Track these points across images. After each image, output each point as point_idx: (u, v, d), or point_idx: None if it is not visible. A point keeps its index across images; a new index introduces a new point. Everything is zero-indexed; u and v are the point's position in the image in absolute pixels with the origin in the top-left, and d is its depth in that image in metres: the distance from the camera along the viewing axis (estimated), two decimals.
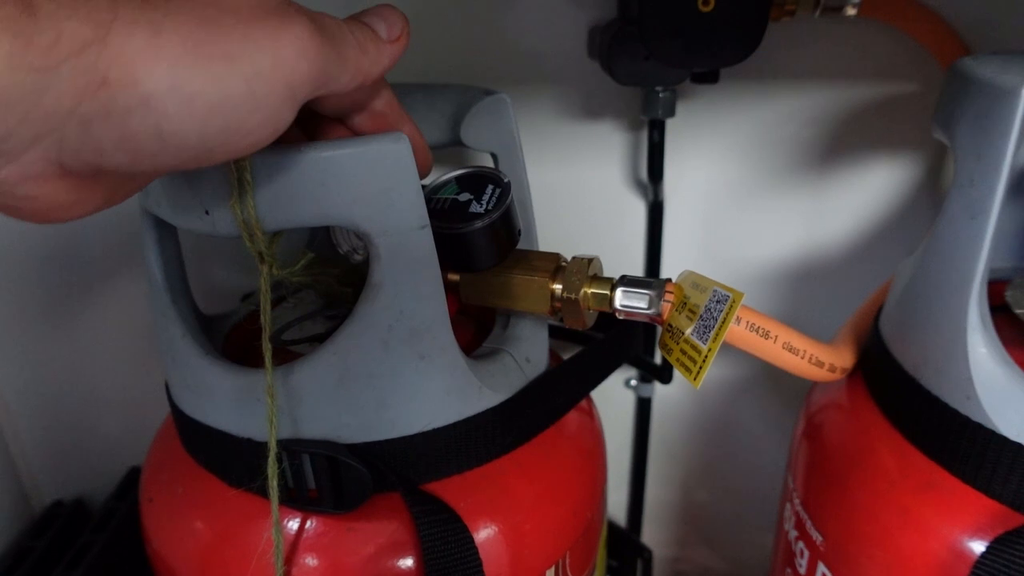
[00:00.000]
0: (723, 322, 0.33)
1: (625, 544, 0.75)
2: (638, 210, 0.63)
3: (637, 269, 0.66)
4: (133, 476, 0.69)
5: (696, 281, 0.37)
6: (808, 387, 0.52)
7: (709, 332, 0.34)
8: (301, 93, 0.25)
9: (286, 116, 0.25)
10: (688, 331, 0.35)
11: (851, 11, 0.51)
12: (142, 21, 0.21)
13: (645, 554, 0.74)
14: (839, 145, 0.60)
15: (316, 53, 0.25)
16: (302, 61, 0.24)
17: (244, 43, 0.23)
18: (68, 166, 0.22)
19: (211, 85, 0.22)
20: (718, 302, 0.35)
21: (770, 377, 0.71)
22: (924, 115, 0.57)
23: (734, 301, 0.34)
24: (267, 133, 0.25)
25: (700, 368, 0.34)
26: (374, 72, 0.29)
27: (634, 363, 0.69)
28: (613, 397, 0.72)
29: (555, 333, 0.49)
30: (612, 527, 0.77)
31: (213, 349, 0.39)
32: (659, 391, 0.71)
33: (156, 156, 0.23)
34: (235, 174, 0.30)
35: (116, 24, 0.21)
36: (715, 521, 0.80)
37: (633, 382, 0.71)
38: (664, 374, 0.66)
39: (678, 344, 0.36)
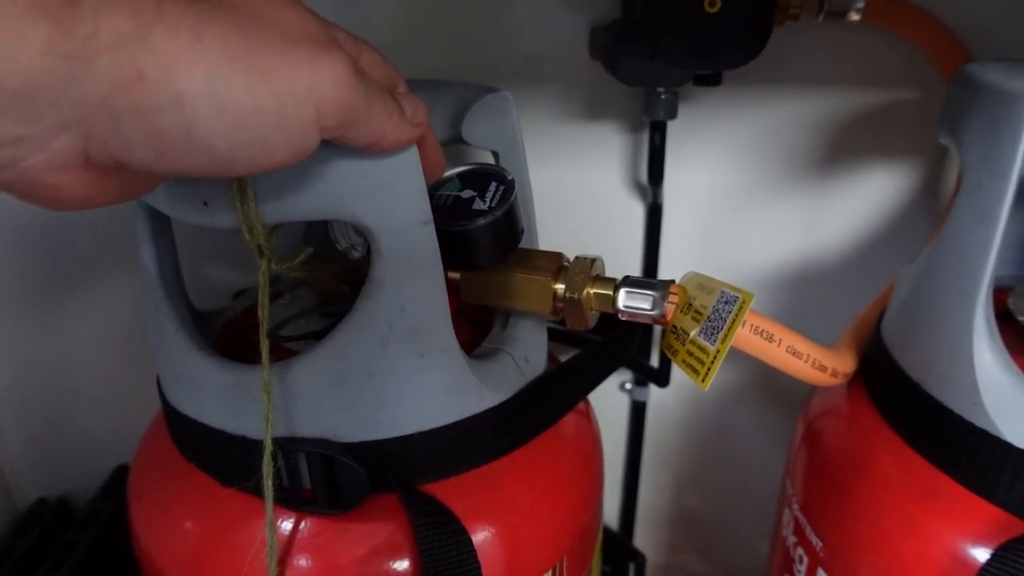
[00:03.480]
0: (732, 323, 0.33)
1: (617, 548, 0.75)
2: (636, 212, 0.63)
3: (634, 272, 0.65)
4: (119, 475, 0.68)
5: (702, 282, 0.36)
6: (803, 392, 0.52)
7: (717, 333, 0.33)
8: (328, 122, 0.25)
9: (310, 141, 0.25)
10: (694, 332, 0.35)
11: (854, 16, 0.51)
12: (185, 25, 0.22)
13: (637, 559, 0.73)
14: (839, 150, 0.60)
15: (349, 87, 0.25)
16: (334, 90, 0.25)
17: (282, 60, 0.24)
18: (93, 157, 0.23)
19: (245, 95, 0.23)
20: (726, 303, 0.34)
21: (765, 382, 0.70)
22: (924, 122, 0.57)
23: (743, 302, 0.33)
24: (290, 154, 0.25)
25: (708, 369, 0.33)
26: (389, 139, 0.29)
27: (630, 366, 0.68)
28: (607, 400, 0.71)
29: (551, 335, 0.48)
30: (605, 531, 0.76)
31: (207, 345, 0.38)
32: (653, 395, 0.71)
33: (182, 157, 0.23)
34: None
35: (159, 25, 0.21)
36: (708, 526, 0.80)
37: (628, 385, 0.71)
38: (661, 377, 0.66)
39: (684, 346, 0.35)
